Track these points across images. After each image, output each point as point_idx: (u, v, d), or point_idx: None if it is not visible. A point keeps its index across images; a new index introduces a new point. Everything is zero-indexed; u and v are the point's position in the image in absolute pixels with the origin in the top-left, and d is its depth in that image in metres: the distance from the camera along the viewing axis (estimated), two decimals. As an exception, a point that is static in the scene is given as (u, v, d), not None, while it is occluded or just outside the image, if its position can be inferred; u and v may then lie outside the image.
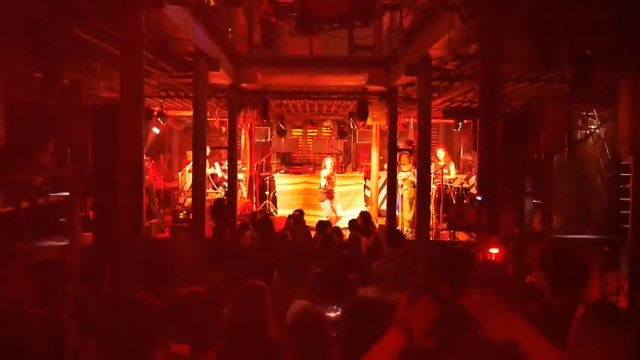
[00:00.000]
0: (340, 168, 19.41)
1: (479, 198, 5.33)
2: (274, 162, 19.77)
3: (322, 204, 15.60)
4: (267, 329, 3.79)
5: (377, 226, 14.33)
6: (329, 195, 15.53)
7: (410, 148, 14.99)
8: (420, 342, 2.00)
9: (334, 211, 15.63)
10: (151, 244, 7.03)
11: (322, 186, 15.49)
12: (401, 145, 15.09)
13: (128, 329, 3.87)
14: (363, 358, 2.05)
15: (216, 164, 15.63)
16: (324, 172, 15.58)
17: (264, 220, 10.30)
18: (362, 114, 12.84)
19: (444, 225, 14.00)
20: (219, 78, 10.41)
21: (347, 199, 16.70)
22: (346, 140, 20.04)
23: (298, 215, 11.51)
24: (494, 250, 5.24)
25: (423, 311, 2.02)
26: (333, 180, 15.62)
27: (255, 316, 3.80)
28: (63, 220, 10.67)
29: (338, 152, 19.73)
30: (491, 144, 5.30)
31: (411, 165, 14.86)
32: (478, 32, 5.26)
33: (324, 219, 13.25)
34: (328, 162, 15.79)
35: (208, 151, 14.69)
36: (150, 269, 4.83)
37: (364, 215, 11.45)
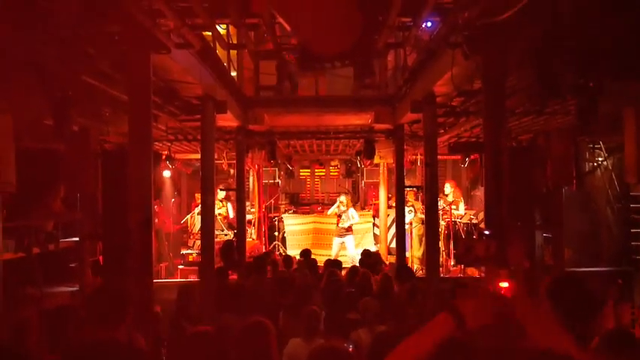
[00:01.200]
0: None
1: (487, 232, 5.33)
2: (283, 202, 19.79)
3: (334, 239, 15.62)
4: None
5: (387, 264, 14.30)
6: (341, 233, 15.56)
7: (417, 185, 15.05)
8: (469, 331, 1.96)
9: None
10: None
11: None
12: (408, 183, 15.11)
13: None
14: (408, 339, 2.01)
15: (228, 204, 15.64)
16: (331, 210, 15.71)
17: (272, 261, 10.27)
18: (369, 153, 12.90)
19: (454, 261, 13.94)
20: (227, 120, 10.51)
21: (356, 238, 16.65)
22: (354, 179, 20.09)
23: (305, 255, 11.43)
24: (503, 284, 5.19)
25: (479, 303, 1.98)
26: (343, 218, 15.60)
27: (259, 353, 3.79)
28: (73, 265, 10.69)
29: (346, 191, 19.75)
30: (498, 177, 5.31)
31: (419, 202, 14.87)
32: (481, 68, 5.32)
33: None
34: (342, 198, 15.77)
35: (221, 194, 14.80)
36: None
37: (367, 254, 11.42)
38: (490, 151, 5.38)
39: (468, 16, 4.72)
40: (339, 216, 15.36)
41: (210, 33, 6.83)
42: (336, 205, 15.68)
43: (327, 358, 3.31)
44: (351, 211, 15.41)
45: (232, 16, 5.41)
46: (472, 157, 13.33)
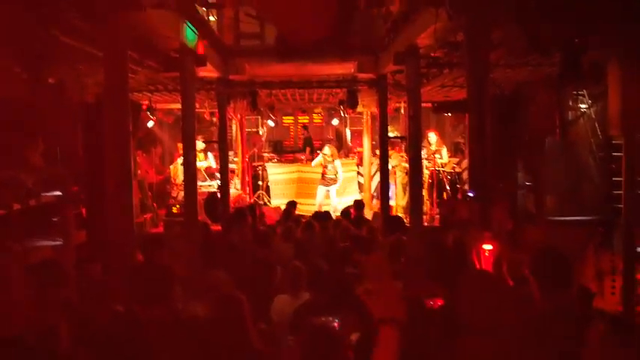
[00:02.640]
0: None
1: (471, 194, 5.30)
2: (266, 151, 19.67)
3: (319, 188, 15.61)
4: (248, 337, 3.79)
5: (371, 213, 14.36)
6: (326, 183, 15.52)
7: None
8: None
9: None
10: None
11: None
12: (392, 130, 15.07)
13: (123, 344, 3.86)
14: None
15: (210, 155, 15.49)
16: (316, 161, 15.63)
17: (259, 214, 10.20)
18: (352, 102, 12.78)
19: (438, 209, 14.00)
20: (207, 71, 10.32)
21: (341, 186, 16.64)
22: (337, 126, 19.99)
23: (289, 207, 11.36)
24: (487, 247, 5.21)
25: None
26: (329, 168, 15.51)
27: (235, 326, 3.79)
28: (56, 219, 10.62)
29: (330, 140, 19.69)
30: (482, 138, 5.25)
31: (397, 154, 14.85)
32: (464, 27, 5.20)
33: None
34: (326, 149, 15.62)
35: (201, 145, 14.65)
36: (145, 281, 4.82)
37: (358, 204, 11.30)
38: (474, 113, 5.30)
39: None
40: (325, 166, 15.28)
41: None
42: (319, 158, 15.56)
43: (319, 339, 3.33)
44: (337, 162, 15.33)
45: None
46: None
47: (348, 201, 14.89)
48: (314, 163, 15.85)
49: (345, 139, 20.29)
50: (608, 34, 6.85)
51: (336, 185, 15.33)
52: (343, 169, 16.53)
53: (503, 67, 9.26)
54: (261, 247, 8.01)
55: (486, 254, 5.31)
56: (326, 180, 15.30)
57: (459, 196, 13.25)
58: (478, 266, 5.16)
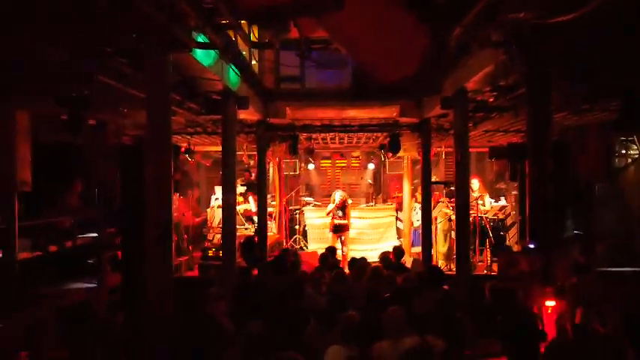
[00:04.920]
0: (371, 198, 19.10)
1: (531, 245, 4.96)
2: (303, 194, 19.50)
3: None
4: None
5: (410, 259, 13.99)
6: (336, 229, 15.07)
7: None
8: None
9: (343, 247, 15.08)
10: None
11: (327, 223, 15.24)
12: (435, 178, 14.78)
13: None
14: None
15: (251, 199, 15.31)
16: (329, 208, 15.20)
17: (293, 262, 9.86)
18: (394, 147, 12.54)
19: (480, 257, 13.60)
20: (248, 114, 10.20)
21: (379, 232, 16.32)
22: (376, 171, 19.76)
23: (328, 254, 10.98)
24: (550, 303, 4.88)
25: None
26: (340, 216, 14.99)
27: None
28: (91, 261, 10.50)
29: (368, 183, 19.47)
30: (543, 184, 4.94)
31: (443, 199, 14.50)
32: (526, 67, 4.93)
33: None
34: (337, 195, 15.12)
35: (241, 189, 14.51)
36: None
37: (397, 250, 10.91)
38: (535, 157, 5.00)
39: (524, 16, 4.33)
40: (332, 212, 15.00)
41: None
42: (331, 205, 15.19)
43: None
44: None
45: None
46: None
47: (385, 247, 14.58)
48: (327, 210, 15.38)
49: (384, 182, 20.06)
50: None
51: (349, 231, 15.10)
52: (381, 214, 16.26)
53: (553, 111, 8.95)
54: (295, 296, 7.76)
55: (549, 311, 4.97)
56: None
57: (518, 247, 12.82)
58: (541, 325, 4.85)
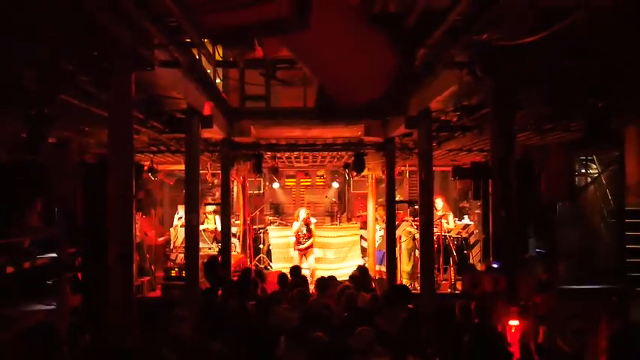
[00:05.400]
0: (335, 217, 19.11)
1: (495, 265, 4.98)
2: (267, 213, 19.43)
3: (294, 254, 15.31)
4: None
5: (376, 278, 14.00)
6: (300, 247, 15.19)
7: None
8: None
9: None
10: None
11: (291, 242, 15.24)
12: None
13: None
14: None
15: (216, 218, 15.19)
16: (295, 226, 15.29)
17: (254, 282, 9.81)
18: (358, 166, 12.58)
19: (444, 275, 13.67)
20: (212, 132, 10.11)
21: (343, 251, 16.28)
22: (340, 189, 19.80)
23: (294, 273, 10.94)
24: (513, 322, 4.89)
25: None
26: (304, 234, 15.19)
27: None
28: (50, 282, 10.28)
29: (332, 202, 19.48)
30: (508, 205, 4.97)
31: (407, 217, 14.56)
32: (490, 87, 4.98)
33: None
34: (302, 212, 15.36)
35: (210, 208, 14.41)
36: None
37: (362, 270, 10.93)
38: (499, 176, 5.04)
39: (488, 37, 4.38)
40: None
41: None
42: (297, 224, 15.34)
43: None
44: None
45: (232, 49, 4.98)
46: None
47: (350, 265, 14.57)
48: (293, 229, 15.46)
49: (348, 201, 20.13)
50: (629, 100, 6.69)
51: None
52: (346, 232, 16.28)
53: (516, 131, 9.08)
54: (263, 315, 7.70)
55: (513, 331, 4.98)
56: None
57: (481, 265, 12.90)
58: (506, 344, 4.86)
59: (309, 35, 2.81)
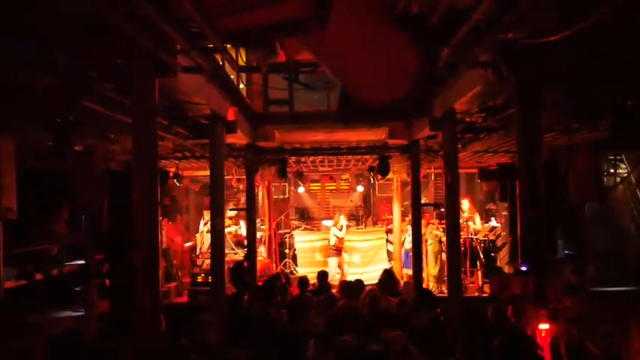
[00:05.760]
0: (361, 221, 19.05)
1: (523, 267, 4.89)
2: (292, 218, 19.44)
3: (329, 260, 15.37)
4: None
5: (402, 283, 13.89)
6: (338, 252, 15.40)
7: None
8: None
9: (341, 268, 15.44)
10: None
11: (332, 243, 15.26)
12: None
13: None
14: None
15: (242, 223, 15.25)
16: (337, 232, 15.36)
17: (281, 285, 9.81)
18: (383, 170, 12.51)
19: (472, 278, 13.54)
20: (236, 138, 10.12)
21: (369, 255, 16.22)
22: (365, 193, 19.75)
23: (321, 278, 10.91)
24: (544, 326, 4.80)
25: None
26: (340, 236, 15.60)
27: None
28: (78, 289, 10.36)
29: (357, 205, 19.44)
30: (536, 207, 4.88)
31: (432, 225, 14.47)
32: (516, 88, 4.90)
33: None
34: (342, 219, 15.68)
35: (231, 213, 14.45)
36: None
37: (388, 273, 10.84)
38: (526, 180, 4.94)
39: (513, 36, 4.31)
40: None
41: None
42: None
43: None
44: (332, 229, 15.74)
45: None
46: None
47: (376, 269, 14.52)
48: (340, 235, 15.66)
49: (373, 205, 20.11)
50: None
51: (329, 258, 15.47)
52: (371, 237, 16.25)
53: (543, 131, 8.96)
54: (294, 320, 7.70)
55: (543, 334, 4.90)
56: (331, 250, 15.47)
57: (509, 268, 12.76)
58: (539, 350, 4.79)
59: (330, 35, 2.77)
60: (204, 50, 5.55)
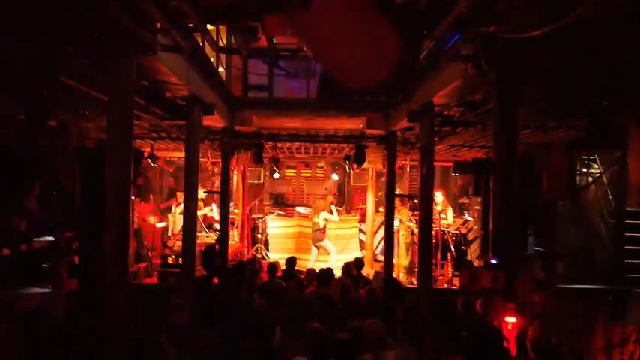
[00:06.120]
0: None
1: (494, 261, 4.93)
2: (267, 203, 19.40)
3: (322, 243, 15.25)
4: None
5: (372, 272, 13.96)
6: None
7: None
8: None
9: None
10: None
11: (321, 227, 15.18)
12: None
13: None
14: None
15: (214, 206, 15.18)
16: (329, 215, 15.28)
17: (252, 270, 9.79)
18: (359, 159, 12.52)
19: (442, 271, 13.62)
20: (213, 121, 10.06)
21: (342, 243, 16.24)
22: (340, 182, 19.77)
23: (289, 264, 10.91)
24: (510, 319, 4.86)
25: None
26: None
27: None
28: (47, 265, 10.23)
29: (332, 193, 19.45)
30: (508, 202, 4.92)
31: (406, 209, 14.49)
32: (495, 83, 4.92)
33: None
34: (333, 208, 15.55)
35: (202, 195, 14.35)
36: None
37: (357, 263, 10.87)
38: (501, 174, 4.98)
39: (494, 30, 4.32)
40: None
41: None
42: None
43: None
44: (321, 214, 15.35)
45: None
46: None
47: (348, 258, 14.54)
48: (333, 218, 15.55)
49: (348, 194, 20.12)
50: (633, 100, 6.63)
51: (322, 242, 15.18)
52: (344, 225, 16.26)
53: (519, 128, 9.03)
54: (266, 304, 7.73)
55: (509, 327, 4.95)
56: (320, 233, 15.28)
57: (479, 262, 12.88)
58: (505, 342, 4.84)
59: (313, 15, 2.75)
60: (184, 29, 5.49)
